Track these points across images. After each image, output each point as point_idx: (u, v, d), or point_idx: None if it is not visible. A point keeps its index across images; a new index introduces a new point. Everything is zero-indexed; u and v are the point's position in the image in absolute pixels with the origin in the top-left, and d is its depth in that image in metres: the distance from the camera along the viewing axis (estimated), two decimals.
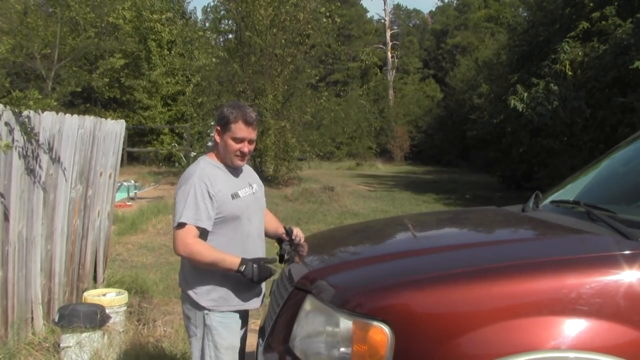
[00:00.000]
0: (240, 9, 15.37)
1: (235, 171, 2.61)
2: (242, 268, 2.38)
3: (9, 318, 3.77)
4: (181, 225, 2.39)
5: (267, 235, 2.76)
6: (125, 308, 4.20)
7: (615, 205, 2.53)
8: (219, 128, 2.53)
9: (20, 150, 3.78)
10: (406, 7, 64.19)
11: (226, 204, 2.47)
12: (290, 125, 15.09)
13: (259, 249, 2.62)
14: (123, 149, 6.33)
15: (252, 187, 2.63)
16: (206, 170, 2.50)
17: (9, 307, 3.76)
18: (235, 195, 2.51)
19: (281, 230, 2.76)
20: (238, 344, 2.56)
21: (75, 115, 4.53)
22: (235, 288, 2.50)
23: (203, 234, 2.45)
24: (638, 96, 10.85)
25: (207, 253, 2.40)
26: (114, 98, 21.05)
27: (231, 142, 2.50)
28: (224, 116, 2.51)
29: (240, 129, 2.49)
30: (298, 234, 2.66)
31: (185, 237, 2.39)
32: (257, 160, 15.13)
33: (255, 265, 2.40)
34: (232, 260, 2.40)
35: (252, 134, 2.53)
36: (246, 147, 2.52)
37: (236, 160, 2.54)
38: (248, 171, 2.72)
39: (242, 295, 2.53)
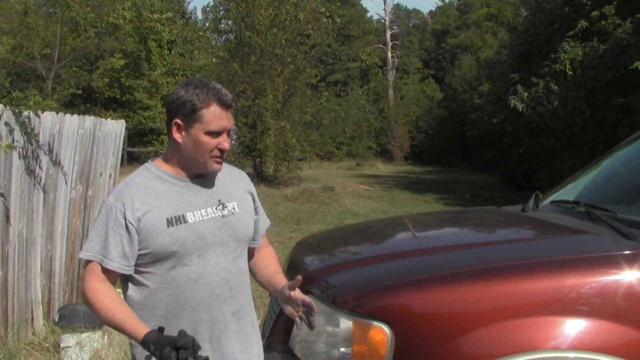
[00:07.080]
0: (240, 9, 15.39)
1: (197, 182, 1.74)
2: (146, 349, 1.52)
3: (9, 318, 3.77)
4: (88, 262, 1.67)
5: (257, 281, 1.93)
6: None
7: (615, 205, 2.53)
8: (178, 121, 1.67)
9: (20, 150, 3.79)
10: (406, 7, 64.16)
11: (154, 234, 1.63)
12: (291, 125, 15.12)
13: (216, 308, 1.69)
14: (123, 149, 6.33)
15: (224, 207, 1.74)
16: (134, 183, 1.70)
17: (9, 307, 3.76)
18: (175, 220, 1.65)
19: (279, 280, 1.82)
20: None
21: (75, 116, 4.53)
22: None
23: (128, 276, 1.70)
24: (638, 96, 10.84)
25: (105, 310, 1.61)
26: (114, 98, 21.09)
27: (205, 139, 1.66)
28: (184, 101, 1.65)
29: (216, 116, 1.65)
30: (298, 295, 1.71)
31: (89, 280, 1.65)
32: (257, 161, 15.16)
33: (157, 353, 1.46)
34: (134, 328, 1.56)
35: (231, 121, 1.71)
36: (227, 142, 1.70)
37: (213, 164, 1.70)
38: (224, 180, 1.80)
39: None
